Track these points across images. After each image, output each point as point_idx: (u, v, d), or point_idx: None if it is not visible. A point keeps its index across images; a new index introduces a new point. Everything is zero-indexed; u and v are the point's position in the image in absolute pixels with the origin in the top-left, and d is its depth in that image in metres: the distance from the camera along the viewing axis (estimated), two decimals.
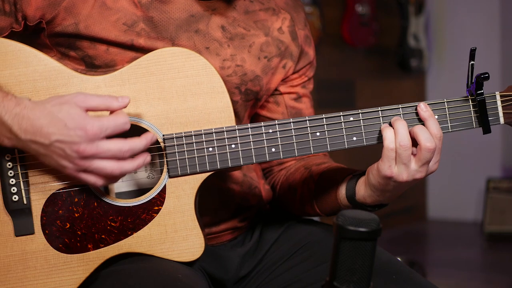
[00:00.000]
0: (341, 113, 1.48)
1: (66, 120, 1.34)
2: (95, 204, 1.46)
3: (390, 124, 1.46)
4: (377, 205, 1.53)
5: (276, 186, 1.74)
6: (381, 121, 1.48)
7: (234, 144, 1.47)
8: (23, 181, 1.43)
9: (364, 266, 1.11)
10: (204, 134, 1.47)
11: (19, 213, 1.43)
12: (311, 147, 1.48)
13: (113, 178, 1.40)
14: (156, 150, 1.49)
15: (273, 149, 1.48)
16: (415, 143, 1.43)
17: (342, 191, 1.55)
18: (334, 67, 4.96)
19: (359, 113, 1.48)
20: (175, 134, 1.46)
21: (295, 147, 1.48)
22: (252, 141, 1.48)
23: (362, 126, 1.48)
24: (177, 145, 1.46)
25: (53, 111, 1.35)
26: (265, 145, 1.48)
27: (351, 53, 5.10)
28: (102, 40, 1.49)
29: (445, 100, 1.49)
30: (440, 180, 5.64)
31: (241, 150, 1.47)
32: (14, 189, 1.43)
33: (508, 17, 5.46)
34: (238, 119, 1.62)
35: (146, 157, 1.40)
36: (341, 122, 1.48)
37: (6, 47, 1.45)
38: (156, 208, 1.46)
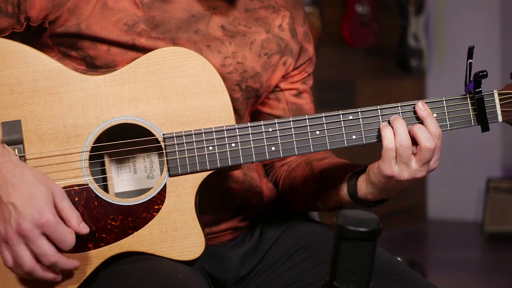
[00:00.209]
0: (340, 112, 1.48)
1: (34, 196, 1.34)
2: (96, 203, 1.46)
3: (389, 123, 1.46)
4: (378, 201, 1.53)
5: (278, 183, 1.75)
6: (380, 120, 1.48)
7: (234, 143, 1.47)
8: None
9: (364, 266, 1.11)
10: (204, 133, 1.47)
11: None
12: (311, 146, 1.48)
13: (20, 269, 1.37)
14: (156, 149, 1.50)
15: (273, 148, 1.48)
16: (414, 141, 1.43)
17: (344, 189, 1.55)
18: (334, 67, 4.96)
19: (358, 112, 1.48)
20: (175, 133, 1.47)
21: (295, 146, 1.48)
22: (252, 140, 1.48)
23: (362, 125, 1.48)
24: (177, 144, 1.47)
25: (30, 182, 1.35)
26: (265, 143, 1.48)
27: (351, 53, 5.10)
28: (103, 40, 1.49)
29: (443, 99, 1.49)
30: (440, 180, 5.64)
31: (241, 149, 1.48)
32: None
33: (508, 17, 5.47)
34: (239, 116, 1.63)
35: (56, 277, 1.39)
36: (341, 121, 1.48)
37: (6, 47, 1.45)
38: (156, 207, 1.47)
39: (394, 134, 1.44)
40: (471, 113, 1.49)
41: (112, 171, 1.55)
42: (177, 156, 1.46)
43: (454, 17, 5.66)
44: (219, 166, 1.47)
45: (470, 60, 1.45)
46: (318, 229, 1.65)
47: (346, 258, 1.10)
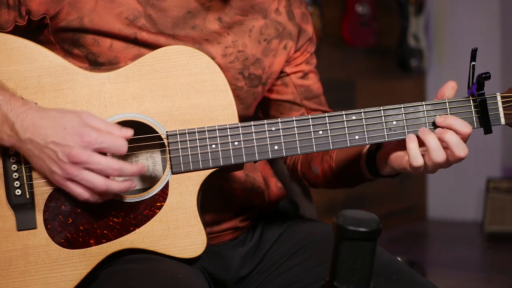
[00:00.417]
0: (343, 112, 1.49)
1: (66, 125, 1.36)
2: None
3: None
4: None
5: (297, 166, 1.76)
6: (383, 120, 1.49)
7: (237, 141, 1.48)
8: (26, 175, 1.44)
9: (364, 266, 1.11)
10: (207, 131, 1.47)
11: (22, 208, 1.44)
12: (314, 145, 1.49)
13: (98, 194, 1.39)
14: (159, 147, 1.50)
15: (276, 147, 1.48)
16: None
17: (365, 170, 1.60)
18: (334, 67, 4.95)
19: (361, 112, 1.49)
20: (178, 130, 1.47)
21: (298, 145, 1.49)
22: (255, 139, 1.48)
23: (365, 125, 1.49)
24: (180, 141, 1.47)
25: (56, 116, 1.38)
26: (268, 142, 1.48)
27: (351, 53, 5.10)
28: (106, 34, 1.49)
29: (446, 101, 1.49)
30: (440, 180, 5.64)
31: (244, 147, 1.48)
32: (17, 183, 1.44)
33: (508, 17, 5.47)
34: (245, 106, 1.63)
35: (132, 183, 1.41)
36: (344, 121, 1.49)
37: (12, 43, 1.46)
38: (158, 204, 1.47)
39: (428, 151, 1.46)
40: (474, 115, 1.50)
41: None
42: (180, 154, 1.47)
43: (454, 17, 5.66)
44: (221, 164, 1.48)
45: (474, 63, 1.46)
46: (318, 229, 1.65)
47: (346, 258, 1.11)
